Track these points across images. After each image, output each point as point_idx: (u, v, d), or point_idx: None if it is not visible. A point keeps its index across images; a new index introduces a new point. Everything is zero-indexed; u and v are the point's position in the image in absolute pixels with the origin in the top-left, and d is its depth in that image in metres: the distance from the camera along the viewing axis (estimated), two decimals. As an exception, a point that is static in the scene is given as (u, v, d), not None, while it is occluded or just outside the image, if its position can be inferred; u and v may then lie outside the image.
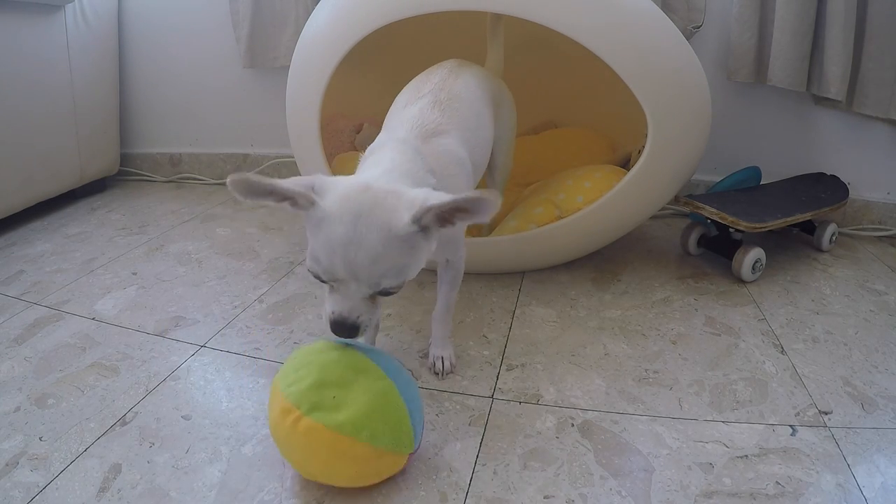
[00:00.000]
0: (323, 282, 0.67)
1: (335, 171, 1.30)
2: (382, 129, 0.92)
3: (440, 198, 0.62)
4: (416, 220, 0.62)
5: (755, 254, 1.25)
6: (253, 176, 0.60)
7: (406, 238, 0.63)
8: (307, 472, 0.72)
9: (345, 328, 0.67)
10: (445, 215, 0.64)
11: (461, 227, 0.84)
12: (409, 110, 0.89)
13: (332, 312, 0.67)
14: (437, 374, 0.96)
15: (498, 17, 1.22)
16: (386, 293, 0.67)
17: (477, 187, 1.32)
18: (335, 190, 0.65)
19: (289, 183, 0.63)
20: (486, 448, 0.80)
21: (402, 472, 0.76)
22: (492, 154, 1.13)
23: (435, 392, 0.92)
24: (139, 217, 1.75)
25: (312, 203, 0.63)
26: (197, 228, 1.64)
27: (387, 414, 0.69)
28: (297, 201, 0.64)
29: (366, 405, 0.67)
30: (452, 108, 0.90)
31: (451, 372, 0.96)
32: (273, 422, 0.70)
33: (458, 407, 0.89)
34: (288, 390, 0.68)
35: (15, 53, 1.60)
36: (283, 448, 0.71)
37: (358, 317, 0.67)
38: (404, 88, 1.01)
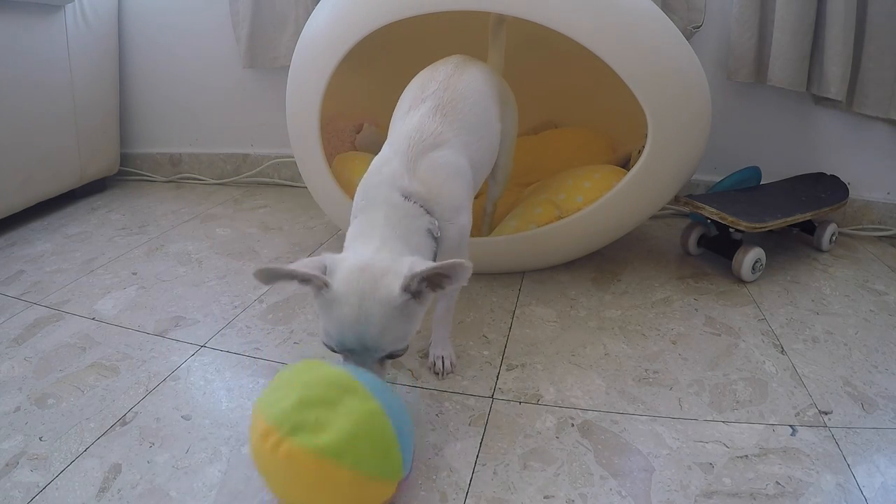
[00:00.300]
0: (336, 352, 0.75)
1: (335, 171, 1.30)
2: (388, 135, 0.94)
3: (422, 266, 0.71)
4: (406, 289, 0.71)
5: (755, 254, 1.25)
6: (274, 267, 0.69)
7: (403, 307, 0.71)
8: (289, 499, 0.68)
9: None
10: (432, 279, 0.72)
11: (466, 223, 0.91)
12: (410, 120, 0.91)
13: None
14: (437, 374, 0.96)
15: (500, 18, 1.22)
16: (391, 356, 0.75)
17: (479, 188, 1.33)
18: (341, 271, 0.72)
19: (304, 267, 0.71)
20: (486, 448, 0.80)
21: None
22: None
23: (435, 392, 0.92)
24: (139, 217, 1.75)
25: (326, 285, 0.71)
26: (197, 228, 1.64)
27: (373, 438, 0.64)
28: (314, 283, 0.72)
29: (350, 428, 0.63)
30: (455, 110, 0.92)
31: (452, 372, 0.96)
32: (253, 447, 0.66)
33: (458, 407, 0.89)
34: (269, 411, 0.65)
35: (15, 53, 1.60)
36: (265, 474, 0.66)
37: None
38: (409, 85, 1.02)
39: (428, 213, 0.82)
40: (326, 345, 0.74)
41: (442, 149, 0.88)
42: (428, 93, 0.95)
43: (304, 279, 0.71)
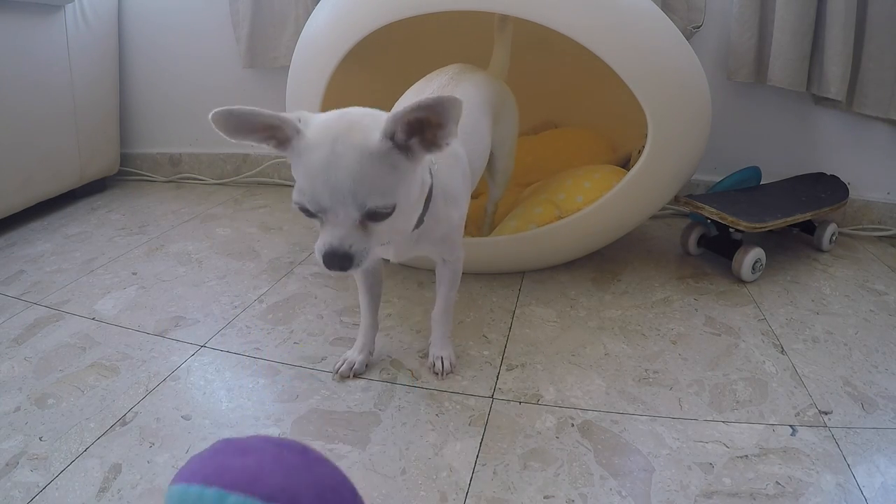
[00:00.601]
0: (311, 215, 0.66)
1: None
2: None
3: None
4: (388, 133, 0.63)
5: (755, 254, 1.25)
6: (237, 108, 0.62)
7: (383, 155, 0.63)
8: None
9: (336, 258, 0.65)
10: (416, 126, 0.63)
11: (457, 220, 0.88)
12: None
13: (323, 244, 0.66)
14: (437, 374, 0.96)
15: (505, 18, 1.22)
16: (375, 216, 0.65)
17: (477, 190, 1.33)
18: (316, 121, 0.66)
19: (274, 113, 0.65)
20: (486, 448, 0.80)
21: (403, 471, 0.76)
22: (493, 158, 1.15)
23: (435, 392, 0.92)
24: (139, 217, 1.75)
25: (298, 132, 0.64)
26: (197, 228, 1.64)
27: None
28: (285, 130, 0.65)
29: None
30: None
31: (451, 372, 0.96)
32: None
33: (458, 407, 0.89)
34: None
35: (15, 53, 1.60)
36: None
37: (350, 245, 0.65)
38: (405, 94, 1.02)
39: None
40: (298, 204, 0.66)
41: None
42: (427, 93, 0.95)
43: (272, 126, 0.65)
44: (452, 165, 0.86)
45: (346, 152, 0.62)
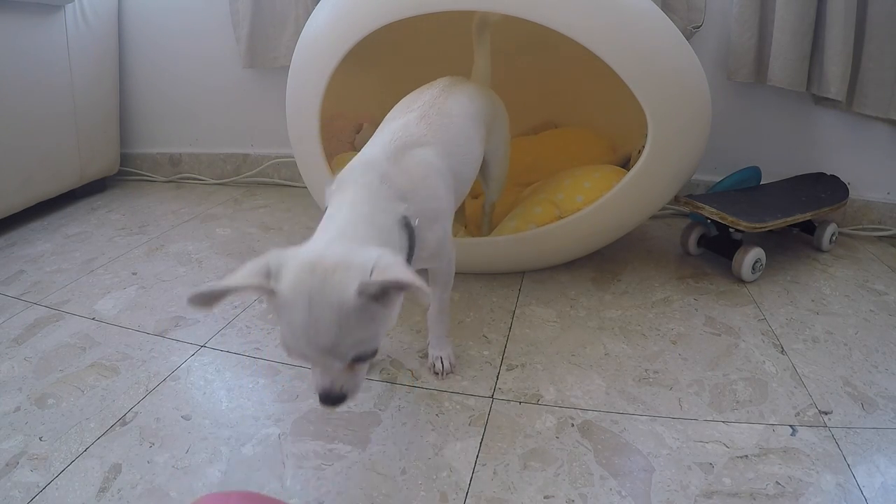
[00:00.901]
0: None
1: (335, 171, 1.30)
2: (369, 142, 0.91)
3: (385, 266, 0.61)
4: (363, 293, 0.61)
5: (755, 254, 1.25)
6: (206, 288, 0.59)
7: (361, 309, 0.61)
8: None
9: (331, 400, 0.67)
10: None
11: (442, 233, 0.86)
12: (395, 122, 0.91)
13: (316, 387, 0.67)
14: (438, 374, 0.96)
15: (484, 22, 1.21)
16: (361, 360, 0.65)
17: (475, 190, 1.33)
18: (288, 271, 0.62)
19: (244, 278, 0.62)
20: (486, 448, 0.80)
21: (403, 471, 0.76)
22: (487, 165, 1.16)
23: (435, 392, 0.92)
24: (139, 217, 1.75)
25: (271, 292, 0.62)
26: (197, 228, 1.64)
27: None
28: (259, 291, 0.63)
29: None
30: (440, 123, 0.92)
31: (451, 372, 0.96)
32: None
33: (458, 407, 0.89)
34: None
35: (15, 53, 1.60)
36: None
37: (341, 387, 0.66)
38: (396, 105, 1.01)
39: (407, 205, 0.77)
40: (288, 355, 0.66)
41: (424, 147, 0.86)
42: (414, 107, 0.94)
43: (246, 291, 0.63)
44: (435, 185, 0.85)
45: (324, 314, 0.60)
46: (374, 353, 0.67)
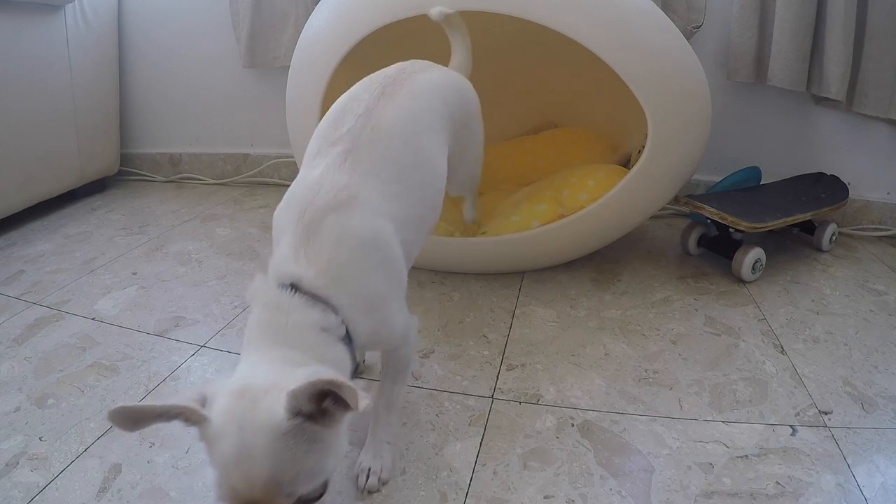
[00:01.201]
0: None
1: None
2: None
3: (313, 378, 0.52)
4: (293, 411, 0.52)
5: (755, 254, 1.25)
6: (132, 406, 0.52)
7: (297, 434, 0.53)
8: None
9: None
10: (327, 396, 0.53)
11: (388, 321, 0.70)
12: (313, 173, 0.71)
13: None
14: (360, 489, 0.74)
15: (451, 15, 1.06)
16: (308, 500, 0.54)
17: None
18: (220, 400, 0.55)
19: (176, 400, 0.54)
20: (486, 448, 0.80)
21: (403, 471, 0.76)
22: (454, 170, 0.95)
23: (435, 392, 0.92)
24: (139, 217, 1.75)
25: (203, 419, 0.53)
26: (197, 228, 1.64)
27: None
28: (188, 418, 0.54)
29: None
30: (374, 155, 0.72)
31: (379, 490, 0.74)
32: None
33: (458, 407, 0.89)
34: None
35: (15, 53, 1.60)
36: None
37: None
38: (327, 114, 0.81)
39: (326, 306, 0.63)
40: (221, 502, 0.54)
41: (349, 211, 0.67)
42: (342, 131, 0.74)
43: (175, 415, 0.53)
44: (372, 267, 0.69)
45: (257, 441, 0.52)
46: (324, 489, 0.55)
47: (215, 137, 2.10)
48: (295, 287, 0.63)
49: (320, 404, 0.54)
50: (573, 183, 1.25)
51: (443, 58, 1.19)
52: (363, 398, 0.50)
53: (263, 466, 0.51)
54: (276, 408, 0.52)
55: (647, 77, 1.07)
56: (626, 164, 1.38)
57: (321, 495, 0.55)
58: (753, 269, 1.26)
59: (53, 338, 1.10)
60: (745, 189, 1.43)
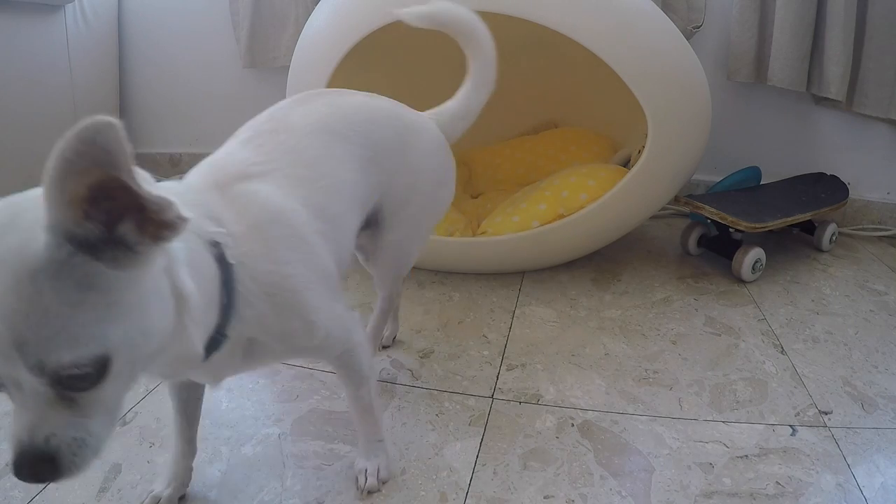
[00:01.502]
0: None
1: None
2: None
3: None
4: (57, 228, 0.36)
5: (755, 254, 1.25)
6: None
7: (59, 269, 0.36)
8: None
9: (28, 462, 0.39)
10: (121, 202, 0.37)
11: (311, 303, 0.58)
12: (216, 154, 0.64)
13: (12, 441, 0.39)
14: (360, 490, 0.72)
15: (476, 46, 0.86)
16: (73, 380, 0.38)
17: (476, 189, 1.31)
18: None
19: None
20: (486, 448, 0.80)
21: (403, 471, 0.76)
22: (379, 231, 0.80)
23: (435, 392, 0.92)
24: (139, 217, 1.75)
25: None
26: (197, 228, 1.64)
27: None
28: None
29: None
30: (277, 141, 0.65)
31: (379, 489, 0.73)
32: None
33: (458, 407, 0.89)
34: None
35: (15, 53, 1.60)
36: None
37: (47, 438, 0.39)
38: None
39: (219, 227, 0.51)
40: None
41: (257, 180, 0.59)
42: (243, 129, 0.70)
43: None
44: (280, 236, 0.57)
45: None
46: (100, 370, 0.39)
47: (215, 137, 2.06)
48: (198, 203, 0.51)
49: (111, 228, 0.37)
50: (573, 183, 1.24)
51: (442, 58, 1.19)
52: (179, 211, 0.37)
53: (5, 315, 0.35)
54: (31, 228, 0.37)
55: (648, 77, 1.07)
56: (627, 164, 1.38)
57: (94, 377, 0.39)
58: (753, 269, 1.26)
59: (53, 338, 1.09)
60: (745, 189, 1.43)
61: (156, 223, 0.38)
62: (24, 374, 0.37)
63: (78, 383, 0.39)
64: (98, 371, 0.39)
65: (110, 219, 0.37)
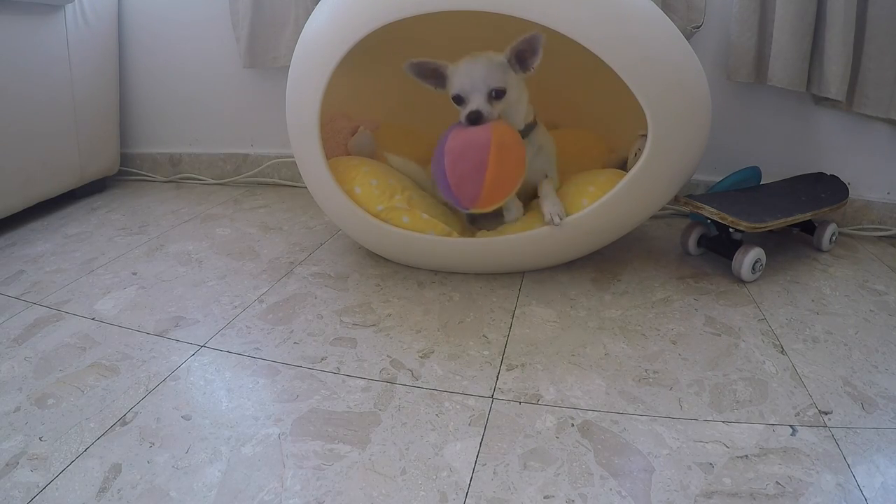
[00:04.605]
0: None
1: (333, 172, 1.30)
2: None
3: None
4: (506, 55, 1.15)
5: (755, 254, 1.25)
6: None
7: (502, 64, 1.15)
8: None
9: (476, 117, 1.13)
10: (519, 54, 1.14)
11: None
12: None
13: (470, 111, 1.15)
14: (548, 222, 1.17)
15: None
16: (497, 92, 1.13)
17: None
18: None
19: None
20: (486, 448, 0.80)
21: (403, 471, 0.76)
22: None
23: (435, 392, 0.92)
24: (139, 217, 1.75)
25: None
26: (197, 228, 1.65)
27: None
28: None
29: None
30: None
31: (560, 222, 1.17)
32: None
33: (458, 407, 0.89)
34: None
35: (15, 53, 1.60)
36: None
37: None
38: None
39: None
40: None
41: None
42: None
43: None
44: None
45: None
46: (505, 91, 1.18)
47: (215, 137, 2.10)
48: None
49: (516, 60, 1.20)
50: (573, 192, 1.25)
51: (442, 58, 1.19)
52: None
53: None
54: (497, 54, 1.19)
55: (648, 77, 1.07)
56: (624, 165, 1.38)
57: (503, 94, 1.19)
58: (753, 269, 1.26)
59: (53, 338, 1.10)
60: (745, 189, 1.43)
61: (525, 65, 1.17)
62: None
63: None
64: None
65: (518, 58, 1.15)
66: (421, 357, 1.01)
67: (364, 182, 1.27)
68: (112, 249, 1.50)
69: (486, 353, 1.02)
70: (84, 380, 0.97)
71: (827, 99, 1.45)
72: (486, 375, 0.96)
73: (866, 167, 1.55)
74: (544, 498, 0.72)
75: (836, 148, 1.56)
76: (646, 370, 0.97)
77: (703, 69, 1.17)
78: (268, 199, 1.90)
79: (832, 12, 1.35)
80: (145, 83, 2.08)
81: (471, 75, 1.11)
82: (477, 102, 1.11)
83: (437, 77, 1.18)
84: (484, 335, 1.08)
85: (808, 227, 1.43)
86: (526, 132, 1.22)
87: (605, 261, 1.37)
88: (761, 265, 1.27)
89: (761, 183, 1.49)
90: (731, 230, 1.30)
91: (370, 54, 1.28)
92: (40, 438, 0.84)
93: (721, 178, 1.48)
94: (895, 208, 1.54)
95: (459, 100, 1.15)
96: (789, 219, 1.26)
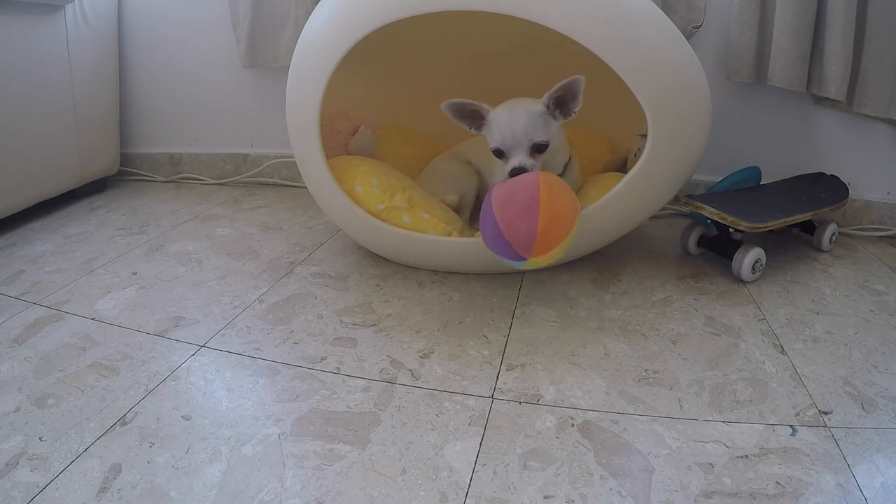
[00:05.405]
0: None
1: (333, 172, 1.30)
2: None
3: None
4: (545, 103, 1.10)
5: (755, 254, 1.25)
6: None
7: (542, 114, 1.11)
8: None
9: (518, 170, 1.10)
10: (558, 101, 1.10)
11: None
12: None
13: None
14: None
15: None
16: (539, 146, 1.11)
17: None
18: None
19: None
20: (486, 448, 0.80)
21: (403, 471, 0.76)
22: None
23: (435, 392, 0.92)
24: (139, 217, 1.75)
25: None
26: (197, 228, 1.64)
27: None
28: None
29: None
30: None
31: None
32: None
33: (458, 407, 0.89)
34: None
35: (15, 53, 1.60)
36: None
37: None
38: None
39: None
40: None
41: None
42: None
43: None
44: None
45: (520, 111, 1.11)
46: (548, 144, 1.14)
47: (215, 137, 2.10)
48: None
49: (555, 109, 1.14)
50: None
51: (442, 57, 1.19)
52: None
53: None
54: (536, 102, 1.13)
55: (647, 77, 1.07)
56: (624, 165, 1.38)
57: (545, 147, 1.13)
58: (753, 269, 1.26)
59: (53, 338, 1.10)
60: (745, 189, 1.43)
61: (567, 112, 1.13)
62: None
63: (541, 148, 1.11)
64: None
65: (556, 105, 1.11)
66: (421, 357, 1.01)
67: (365, 182, 1.27)
68: (112, 249, 1.50)
69: (486, 353, 1.02)
70: (84, 380, 0.97)
71: (827, 99, 1.45)
72: (486, 375, 0.96)
73: (866, 167, 1.55)
74: (544, 498, 0.72)
75: (836, 148, 1.56)
76: (646, 370, 0.97)
77: (703, 69, 1.17)
78: (268, 199, 1.90)
79: (832, 12, 1.35)
80: (145, 83, 2.08)
81: (512, 129, 1.08)
82: (519, 158, 1.09)
83: (474, 118, 1.13)
84: (484, 335, 1.08)
85: (808, 227, 1.43)
86: (563, 170, 1.22)
87: (605, 261, 1.37)
88: (761, 265, 1.27)
89: (761, 183, 1.49)
90: (731, 230, 1.30)
91: (370, 54, 1.29)
92: (40, 438, 0.84)
93: (721, 178, 1.48)
94: (895, 208, 1.54)
95: (500, 154, 1.12)
96: (789, 219, 1.26)
